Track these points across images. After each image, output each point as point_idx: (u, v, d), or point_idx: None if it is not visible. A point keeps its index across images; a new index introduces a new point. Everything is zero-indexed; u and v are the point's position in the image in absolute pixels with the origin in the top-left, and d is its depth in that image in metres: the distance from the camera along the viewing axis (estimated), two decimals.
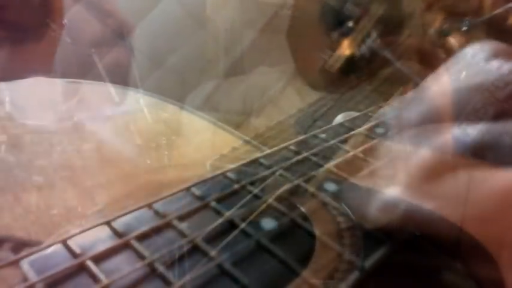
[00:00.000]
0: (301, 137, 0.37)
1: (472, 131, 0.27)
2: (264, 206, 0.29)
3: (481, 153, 0.26)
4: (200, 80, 0.66)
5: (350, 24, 0.54)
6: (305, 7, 0.58)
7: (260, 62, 0.64)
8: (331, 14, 0.56)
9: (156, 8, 0.69)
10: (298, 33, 0.58)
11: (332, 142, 0.36)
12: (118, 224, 0.27)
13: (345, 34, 0.53)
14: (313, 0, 0.57)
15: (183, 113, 0.51)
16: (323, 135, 0.37)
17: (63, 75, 0.48)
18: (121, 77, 0.50)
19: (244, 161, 0.33)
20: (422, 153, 0.27)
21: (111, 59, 0.50)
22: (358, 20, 0.53)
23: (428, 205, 0.25)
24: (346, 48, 0.52)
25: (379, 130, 0.39)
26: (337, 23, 0.55)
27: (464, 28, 0.50)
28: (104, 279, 0.23)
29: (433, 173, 0.26)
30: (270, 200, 0.29)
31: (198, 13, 0.70)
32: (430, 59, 0.48)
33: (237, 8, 0.71)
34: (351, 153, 0.35)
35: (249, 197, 0.30)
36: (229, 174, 0.32)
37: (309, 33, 0.57)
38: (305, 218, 0.28)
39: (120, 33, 0.51)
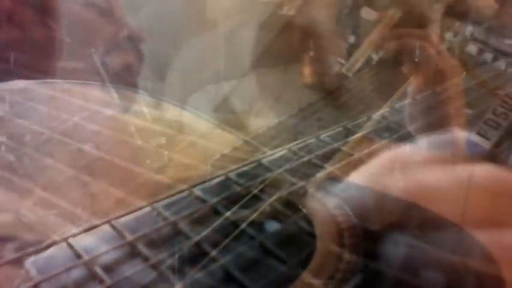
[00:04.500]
0: (303, 139, 0.37)
1: (492, 136, 0.27)
2: (265, 207, 0.29)
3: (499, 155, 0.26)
4: (200, 80, 0.66)
5: (366, 28, 0.54)
6: (320, 11, 0.58)
7: (260, 62, 0.64)
8: (347, 17, 0.56)
9: (156, 9, 0.69)
10: (313, 37, 0.59)
11: (335, 145, 0.36)
12: (119, 224, 0.27)
13: (361, 38, 0.54)
14: (329, 4, 0.57)
15: (183, 113, 0.51)
16: (326, 138, 0.38)
17: (64, 74, 0.48)
18: (129, 82, 0.50)
19: (246, 162, 0.34)
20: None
21: (122, 63, 0.51)
22: (374, 25, 0.53)
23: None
24: (362, 52, 0.52)
25: (382, 133, 0.39)
26: (354, 26, 0.56)
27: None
28: (106, 280, 0.23)
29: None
30: (271, 201, 0.29)
31: (198, 13, 0.70)
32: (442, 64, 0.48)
33: (237, 8, 0.71)
34: (354, 156, 0.35)
35: (249, 197, 0.30)
36: (231, 175, 0.32)
37: (324, 37, 0.58)
38: (307, 219, 0.28)
39: (132, 41, 0.52)
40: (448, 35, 0.51)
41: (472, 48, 0.50)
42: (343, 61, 0.44)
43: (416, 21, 0.52)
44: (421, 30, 0.47)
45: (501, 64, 0.49)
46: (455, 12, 0.51)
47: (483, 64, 0.50)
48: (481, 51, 0.49)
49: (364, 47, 0.52)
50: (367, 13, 0.55)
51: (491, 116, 0.27)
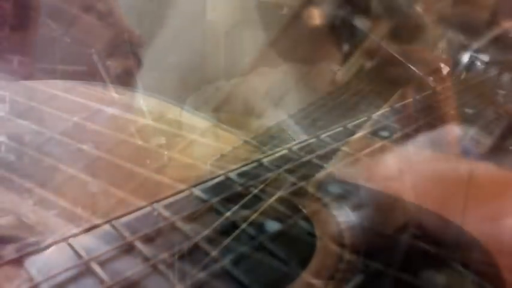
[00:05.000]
0: (303, 139, 0.37)
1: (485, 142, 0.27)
2: (265, 207, 0.29)
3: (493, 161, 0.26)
4: (201, 80, 0.66)
5: (360, 36, 0.54)
6: (315, 19, 0.58)
7: (260, 63, 0.64)
8: (341, 26, 0.56)
9: (156, 9, 0.69)
10: (308, 44, 0.59)
11: (335, 145, 0.36)
12: (119, 224, 0.27)
13: (356, 46, 0.54)
14: (323, 12, 0.57)
15: (183, 113, 0.51)
16: (326, 138, 0.38)
17: (64, 75, 0.48)
18: (129, 85, 0.50)
19: (246, 162, 0.34)
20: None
21: (121, 67, 0.51)
22: (368, 33, 0.53)
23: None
24: (356, 61, 0.52)
25: (383, 133, 0.39)
26: (347, 35, 0.56)
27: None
28: (107, 280, 0.23)
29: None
30: (271, 201, 0.29)
31: (198, 14, 0.70)
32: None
33: (237, 9, 0.71)
34: (354, 156, 0.35)
35: (249, 197, 0.30)
36: (231, 175, 0.32)
37: (319, 44, 0.58)
38: (307, 219, 0.28)
39: (131, 45, 0.52)
40: (442, 44, 0.51)
41: (465, 57, 0.50)
42: (337, 69, 0.45)
43: (409, 30, 0.52)
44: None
45: (493, 73, 0.50)
46: (449, 21, 0.52)
47: (475, 73, 0.51)
48: (473, 60, 0.49)
49: (358, 55, 0.52)
50: (361, 22, 0.55)
51: (485, 123, 0.28)
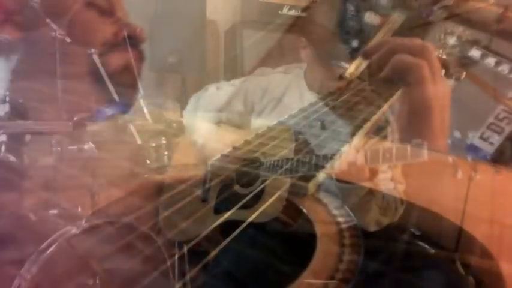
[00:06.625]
0: (303, 139, 0.37)
1: (495, 141, 0.27)
2: (265, 207, 0.29)
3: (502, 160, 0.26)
4: (201, 80, 0.66)
5: (369, 33, 0.54)
6: (324, 16, 0.58)
7: (260, 62, 0.64)
8: (350, 22, 0.56)
9: (157, 9, 0.69)
10: (317, 40, 0.59)
11: (335, 145, 0.36)
12: (119, 224, 0.27)
13: (364, 42, 0.53)
14: (332, 9, 0.57)
15: (183, 113, 0.51)
16: (326, 138, 0.37)
17: (65, 75, 0.48)
18: (130, 81, 0.50)
19: (246, 162, 0.34)
20: None
21: (122, 63, 0.50)
22: (377, 29, 0.53)
23: None
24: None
25: (382, 133, 0.39)
26: (357, 31, 0.56)
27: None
28: (107, 279, 0.23)
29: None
30: (271, 201, 0.29)
31: (198, 14, 0.71)
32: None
33: (237, 9, 0.71)
34: (354, 156, 0.35)
35: (249, 197, 0.30)
36: (232, 175, 0.32)
37: (328, 41, 0.58)
38: (307, 219, 0.28)
39: (133, 40, 0.51)
40: (451, 40, 0.51)
41: (476, 53, 0.49)
42: (346, 65, 0.44)
43: (419, 26, 0.52)
44: (417, 43, 0.43)
45: (504, 68, 0.49)
46: (458, 17, 0.51)
47: (486, 68, 0.50)
48: (484, 56, 0.49)
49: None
50: (370, 17, 0.55)
51: (494, 121, 0.27)
